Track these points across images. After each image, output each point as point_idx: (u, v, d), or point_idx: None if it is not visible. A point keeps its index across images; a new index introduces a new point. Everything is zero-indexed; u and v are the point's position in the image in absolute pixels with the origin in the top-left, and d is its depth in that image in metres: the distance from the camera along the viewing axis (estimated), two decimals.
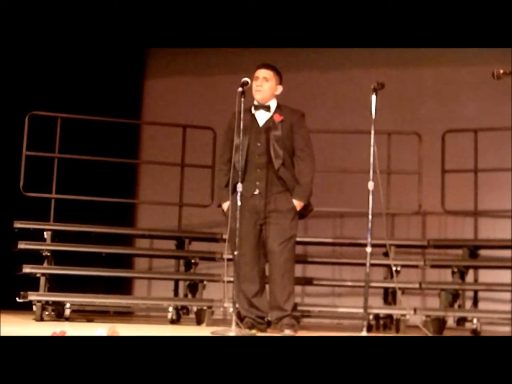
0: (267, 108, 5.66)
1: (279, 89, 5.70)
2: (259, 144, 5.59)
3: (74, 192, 7.32)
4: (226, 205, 5.64)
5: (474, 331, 6.64)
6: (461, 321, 6.86)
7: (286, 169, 5.59)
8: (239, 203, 5.21)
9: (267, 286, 5.76)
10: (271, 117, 5.65)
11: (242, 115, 5.26)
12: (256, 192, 5.59)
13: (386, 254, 6.94)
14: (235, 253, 5.25)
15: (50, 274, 6.78)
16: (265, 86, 5.63)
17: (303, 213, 5.71)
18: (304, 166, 5.64)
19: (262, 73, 5.63)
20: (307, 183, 5.62)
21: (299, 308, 6.61)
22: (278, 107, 5.69)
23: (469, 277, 7.21)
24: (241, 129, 5.30)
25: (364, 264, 5.12)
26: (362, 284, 5.35)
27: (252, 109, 5.67)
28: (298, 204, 5.60)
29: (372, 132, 5.06)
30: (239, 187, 5.22)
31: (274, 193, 5.59)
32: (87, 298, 6.86)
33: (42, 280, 6.70)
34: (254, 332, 5.51)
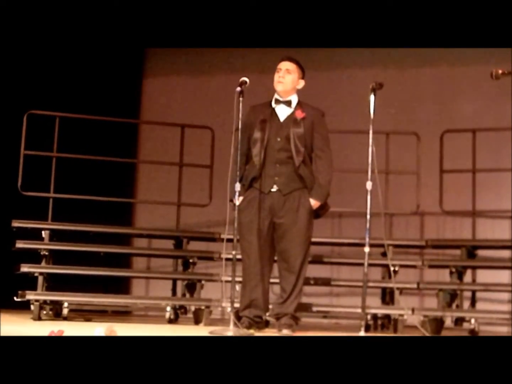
0: (288, 103, 5.62)
1: (301, 83, 5.66)
2: (279, 139, 5.54)
3: (72, 192, 7.31)
4: (238, 200, 5.48)
5: (472, 331, 6.65)
6: (459, 321, 6.86)
7: (306, 167, 5.57)
8: (237, 202, 5.21)
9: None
10: (293, 113, 5.61)
11: (239, 116, 5.23)
12: (274, 188, 5.54)
13: (384, 254, 6.92)
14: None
15: (48, 273, 6.77)
16: (287, 78, 5.58)
17: (319, 213, 5.68)
18: (323, 165, 5.60)
19: (285, 65, 5.58)
20: (325, 183, 5.58)
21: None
22: (299, 104, 5.65)
23: (467, 277, 7.21)
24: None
25: (362, 264, 5.13)
26: (360, 284, 5.35)
27: (273, 103, 5.63)
28: (315, 203, 5.57)
29: (371, 132, 5.07)
30: (237, 186, 5.21)
31: (292, 190, 5.55)
32: (85, 297, 6.85)
33: (40, 279, 6.69)
34: (252, 332, 5.50)
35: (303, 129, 5.54)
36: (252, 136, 5.55)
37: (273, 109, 5.62)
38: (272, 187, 5.53)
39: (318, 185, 5.57)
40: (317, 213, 5.67)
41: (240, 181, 5.40)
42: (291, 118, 5.59)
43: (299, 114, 5.57)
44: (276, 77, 5.58)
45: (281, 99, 5.62)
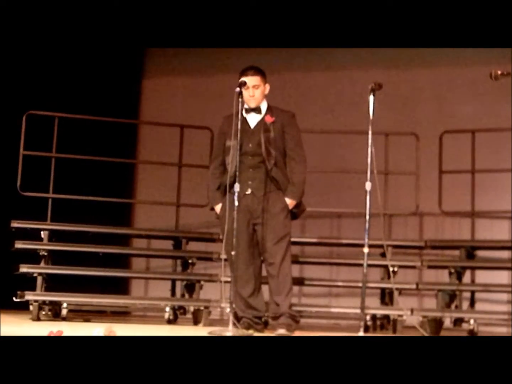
0: (258, 110, 5.68)
1: (267, 88, 5.71)
2: (250, 145, 5.61)
3: (71, 192, 7.31)
4: (218, 208, 5.68)
5: (471, 331, 6.64)
6: (458, 321, 6.86)
7: (279, 169, 5.62)
8: (236, 203, 5.22)
9: (264, 286, 5.78)
10: (262, 119, 5.67)
11: (239, 116, 5.26)
12: (248, 191, 5.60)
13: (383, 255, 6.94)
14: (233, 253, 5.26)
15: (47, 274, 6.77)
16: (256, 93, 5.63)
17: (296, 213, 5.73)
18: (296, 165, 5.66)
19: (251, 81, 5.58)
20: (299, 182, 5.65)
21: (296, 308, 6.59)
22: (269, 108, 5.71)
23: (466, 277, 7.22)
24: (236, 130, 5.30)
25: (361, 265, 5.12)
26: (359, 284, 5.35)
27: (243, 112, 5.67)
28: (290, 202, 5.62)
29: (370, 132, 5.06)
30: (236, 187, 5.23)
31: (266, 192, 5.61)
32: (84, 298, 6.86)
33: (39, 279, 6.69)
34: (251, 333, 5.51)
35: (273, 133, 5.63)
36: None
37: (244, 118, 5.65)
38: (246, 191, 5.58)
39: (292, 184, 5.64)
40: (293, 214, 5.71)
41: (218, 189, 5.63)
42: (261, 123, 5.66)
43: (268, 119, 5.66)
44: (246, 94, 5.59)
45: (250, 108, 5.67)
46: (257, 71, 5.64)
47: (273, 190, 5.62)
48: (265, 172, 5.61)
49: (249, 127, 5.67)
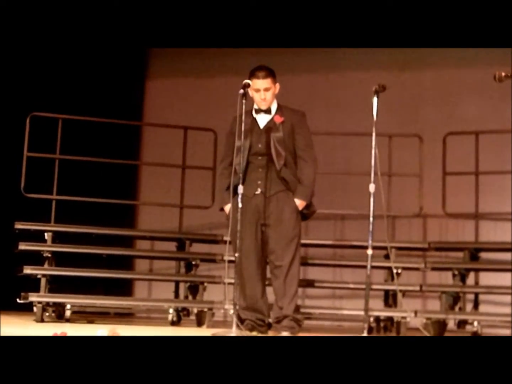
0: (268, 111, 5.65)
1: (278, 87, 5.68)
2: (260, 146, 5.59)
3: (75, 193, 7.32)
4: (227, 208, 5.63)
5: (475, 333, 6.64)
6: (461, 323, 6.85)
7: (288, 169, 5.59)
8: (240, 205, 5.21)
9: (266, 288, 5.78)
10: (272, 119, 5.64)
11: (243, 118, 5.26)
12: (258, 191, 5.58)
13: (387, 257, 6.94)
14: (236, 254, 5.25)
15: (50, 275, 6.78)
16: (268, 95, 5.60)
17: (306, 214, 5.69)
18: (306, 166, 5.63)
19: (262, 84, 5.54)
20: (309, 182, 5.61)
21: (300, 310, 6.59)
22: (279, 108, 5.67)
23: (470, 279, 7.21)
24: (241, 131, 5.30)
25: (365, 266, 5.12)
26: (363, 286, 5.35)
27: (253, 112, 5.67)
28: (300, 203, 5.59)
29: (374, 134, 5.06)
30: (240, 188, 5.22)
31: (275, 192, 5.58)
32: (87, 299, 6.86)
33: (43, 281, 6.71)
34: (254, 335, 5.51)
35: (282, 133, 5.59)
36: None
37: (254, 117, 5.64)
38: (256, 190, 5.57)
39: (302, 184, 5.60)
40: (303, 215, 5.68)
41: (228, 189, 5.55)
42: (270, 124, 5.64)
43: (278, 119, 5.62)
44: (257, 97, 5.57)
45: (260, 108, 5.65)
46: (268, 73, 5.58)
47: (282, 190, 5.58)
48: (274, 172, 5.57)
49: (258, 126, 5.65)
